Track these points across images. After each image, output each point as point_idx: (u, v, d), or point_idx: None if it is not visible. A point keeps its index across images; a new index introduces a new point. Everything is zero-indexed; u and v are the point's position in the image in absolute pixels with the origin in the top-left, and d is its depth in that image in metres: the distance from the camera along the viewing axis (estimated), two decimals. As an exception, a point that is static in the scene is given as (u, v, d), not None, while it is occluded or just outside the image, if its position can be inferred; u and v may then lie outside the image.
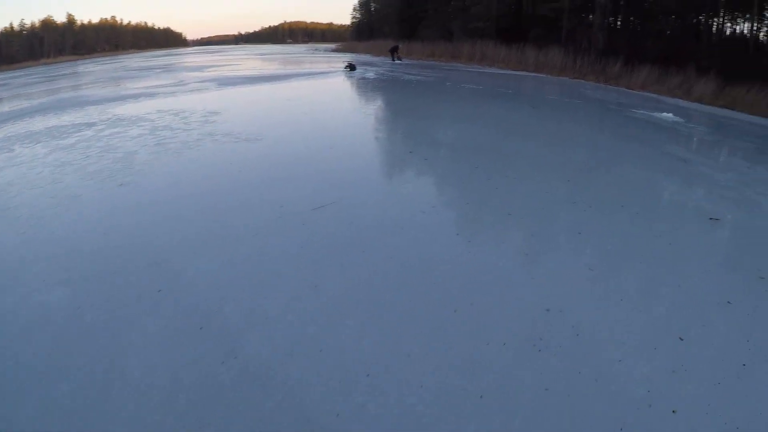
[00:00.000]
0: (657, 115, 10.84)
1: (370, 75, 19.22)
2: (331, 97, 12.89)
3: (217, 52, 60.81)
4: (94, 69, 35.18)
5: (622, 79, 16.79)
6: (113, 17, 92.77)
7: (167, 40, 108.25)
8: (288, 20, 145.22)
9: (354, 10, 60.31)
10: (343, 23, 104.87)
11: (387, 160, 6.60)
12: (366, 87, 15.27)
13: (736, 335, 2.72)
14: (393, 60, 27.30)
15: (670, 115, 10.80)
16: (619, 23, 21.78)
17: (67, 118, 10.54)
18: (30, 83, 25.81)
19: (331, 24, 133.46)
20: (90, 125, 9.44)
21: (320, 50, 54.09)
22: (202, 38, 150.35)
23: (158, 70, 26.89)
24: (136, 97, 13.94)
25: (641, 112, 11.21)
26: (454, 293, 3.11)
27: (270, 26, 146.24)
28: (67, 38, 79.57)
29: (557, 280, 3.29)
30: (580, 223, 4.30)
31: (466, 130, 8.16)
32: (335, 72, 20.63)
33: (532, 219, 4.40)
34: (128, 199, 5.00)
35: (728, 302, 3.03)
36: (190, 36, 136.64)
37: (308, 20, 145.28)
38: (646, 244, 3.92)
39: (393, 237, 3.96)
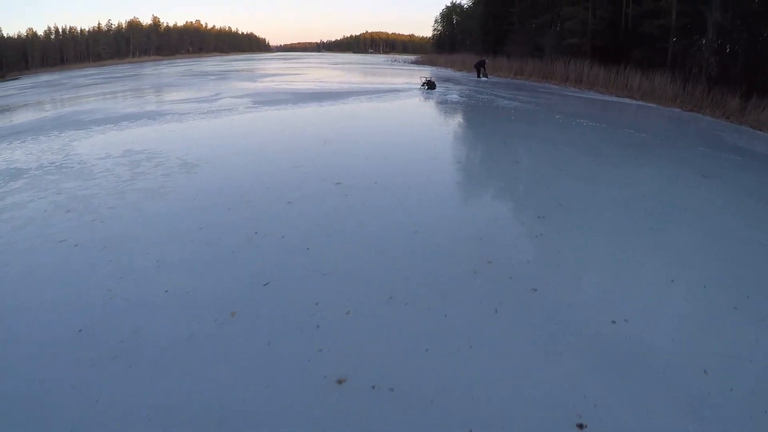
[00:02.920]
0: None
1: (454, 96, 14.39)
2: (393, 140, 7.82)
3: (294, 59, 57.86)
4: (161, 71, 32.89)
5: (746, 116, 12.95)
6: (197, 21, 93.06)
7: (250, 44, 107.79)
8: (370, 30, 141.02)
9: (435, 21, 56.12)
10: (425, 35, 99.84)
11: None
12: (449, 119, 10.47)
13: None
14: (479, 77, 22.93)
15: None
16: (732, 47, 17.46)
17: (16, 154, 7.29)
18: (84, 84, 23.76)
19: (412, 35, 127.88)
20: (15, 175, 5.99)
21: (399, 61, 49.78)
22: (284, 44, 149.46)
23: (213, 77, 23.43)
24: (137, 118, 10.20)
25: None
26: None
27: (352, 35, 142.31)
28: (151, 39, 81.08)
29: None
30: None
31: (660, 254, 3.41)
32: (410, 90, 15.93)
33: None
34: None
35: None
36: (273, 42, 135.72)
37: (390, 31, 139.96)
38: None
39: None
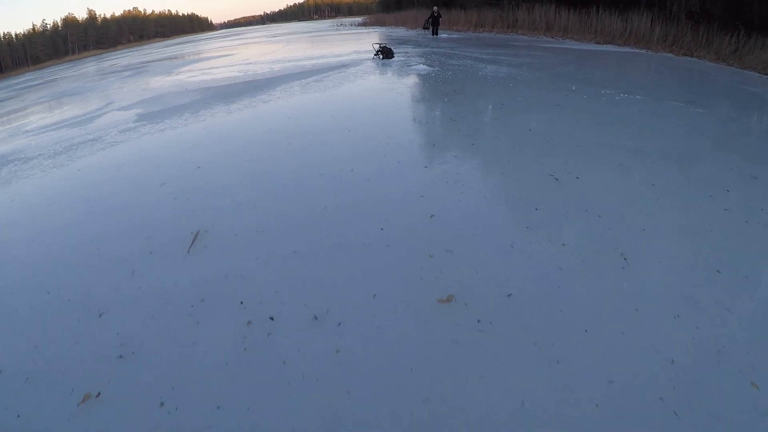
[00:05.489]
0: None
1: (421, 67, 10.57)
2: (337, 197, 3.62)
3: (233, 35, 51.81)
4: (85, 70, 27.68)
5: (744, 59, 10.79)
6: (135, 8, 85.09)
7: (192, 25, 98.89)
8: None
9: (379, -21, 50.98)
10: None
11: None
12: (430, 117, 6.65)
13: None
14: (435, 33, 19.20)
15: None
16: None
17: None
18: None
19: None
20: None
21: (345, 25, 44.69)
22: (228, 21, 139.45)
23: (128, 73, 18.87)
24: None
25: None
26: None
27: (295, 4, 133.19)
28: (89, 34, 74.10)
29: None
30: None
31: None
32: (361, 62, 11.98)
33: None
34: None
35: None
36: (216, 19, 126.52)
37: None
38: None
39: None
